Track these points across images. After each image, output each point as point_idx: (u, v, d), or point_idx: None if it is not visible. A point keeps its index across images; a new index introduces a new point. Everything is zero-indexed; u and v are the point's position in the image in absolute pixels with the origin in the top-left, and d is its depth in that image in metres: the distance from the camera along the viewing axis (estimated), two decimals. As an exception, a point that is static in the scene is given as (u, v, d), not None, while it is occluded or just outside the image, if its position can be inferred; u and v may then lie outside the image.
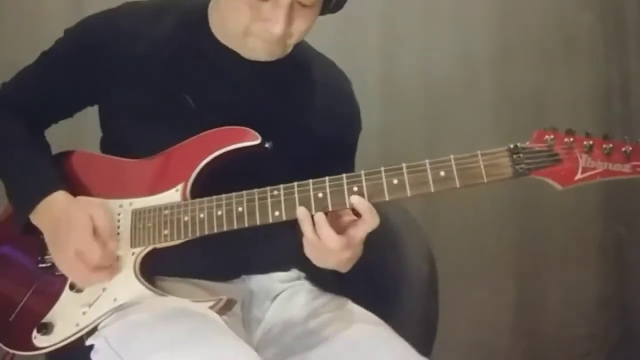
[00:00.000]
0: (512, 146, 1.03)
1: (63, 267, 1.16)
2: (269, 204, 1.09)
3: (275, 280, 1.31)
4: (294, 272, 1.33)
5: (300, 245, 1.10)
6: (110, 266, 1.15)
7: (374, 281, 1.40)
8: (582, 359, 2.35)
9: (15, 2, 1.92)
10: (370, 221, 1.05)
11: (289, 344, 1.20)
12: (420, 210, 1.88)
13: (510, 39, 2.21)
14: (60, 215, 1.15)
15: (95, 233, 1.13)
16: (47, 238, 1.18)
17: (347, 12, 2.03)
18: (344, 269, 1.16)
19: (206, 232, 1.11)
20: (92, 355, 1.12)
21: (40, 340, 1.17)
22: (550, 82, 2.24)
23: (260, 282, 1.30)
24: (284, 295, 1.30)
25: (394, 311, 1.37)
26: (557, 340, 2.32)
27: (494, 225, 2.25)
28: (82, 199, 1.18)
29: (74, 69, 1.24)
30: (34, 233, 1.19)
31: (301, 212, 1.06)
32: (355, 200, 1.05)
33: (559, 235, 2.29)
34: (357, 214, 1.07)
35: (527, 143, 1.03)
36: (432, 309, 1.42)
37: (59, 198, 1.17)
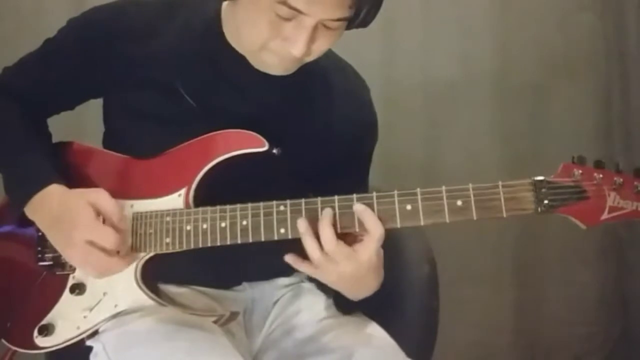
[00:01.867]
0: (536, 180, 0.99)
1: (76, 262, 1.14)
2: (275, 220, 1.06)
3: (278, 285, 1.31)
4: (296, 277, 1.33)
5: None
6: (125, 254, 1.12)
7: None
8: (582, 359, 2.35)
9: (16, 3, 1.92)
10: (374, 231, 1.02)
11: (289, 349, 1.20)
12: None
13: (510, 39, 2.21)
14: (58, 210, 1.12)
15: (101, 218, 1.10)
16: (49, 236, 1.14)
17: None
18: (351, 292, 1.13)
19: (209, 244, 1.09)
20: (91, 357, 1.13)
21: (41, 340, 1.17)
22: (550, 81, 2.24)
23: (263, 289, 1.29)
24: (285, 298, 1.30)
25: (395, 312, 1.37)
26: (557, 340, 2.32)
27: (494, 226, 2.24)
28: (77, 189, 1.14)
29: (75, 61, 1.20)
30: (33, 226, 1.17)
31: (302, 225, 1.03)
32: (360, 208, 1.02)
33: (559, 235, 2.28)
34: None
35: (552, 176, 0.99)
36: (432, 310, 1.42)
37: (54, 191, 1.13)
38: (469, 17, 2.18)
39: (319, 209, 1.04)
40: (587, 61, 2.26)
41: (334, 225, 1.03)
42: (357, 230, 1.03)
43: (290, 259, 1.06)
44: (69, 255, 1.13)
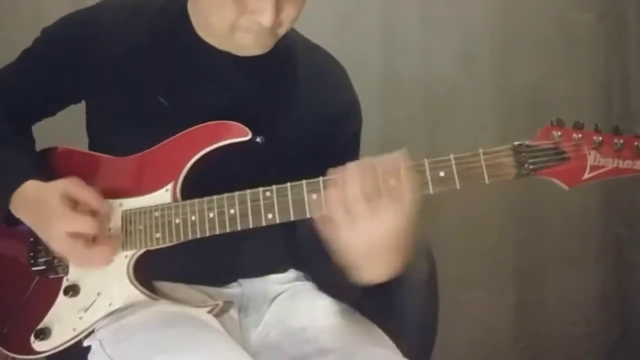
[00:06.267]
0: (516, 144, 0.99)
1: (62, 254, 1.14)
2: (262, 206, 1.06)
3: (273, 282, 1.30)
4: (292, 273, 1.32)
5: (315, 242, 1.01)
6: (107, 241, 1.12)
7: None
8: (582, 359, 2.35)
9: (15, 2, 1.92)
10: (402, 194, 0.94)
11: (287, 350, 1.18)
12: (419, 209, 1.88)
13: (511, 38, 2.21)
14: (35, 206, 1.13)
15: (78, 207, 1.11)
16: (36, 231, 1.15)
17: (347, 11, 2.04)
18: (364, 266, 1.00)
19: (198, 235, 1.10)
20: (89, 357, 1.12)
21: (38, 345, 1.17)
22: (550, 81, 2.24)
23: (257, 286, 1.28)
24: (282, 297, 1.29)
25: (394, 313, 1.37)
26: (557, 339, 2.32)
27: (494, 225, 2.25)
28: (50, 182, 1.14)
29: (51, 68, 1.21)
30: (24, 232, 1.18)
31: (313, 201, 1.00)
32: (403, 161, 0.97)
33: (559, 235, 2.28)
34: None
35: (532, 140, 0.99)
36: (431, 310, 1.41)
37: (30, 188, 1.14)
38: (469, 17, 2.18)
39: (304, 193, 1.04)
40: (587, 60, 2.25)
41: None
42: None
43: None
44: (55, 248, 1.13)
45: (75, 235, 1.09)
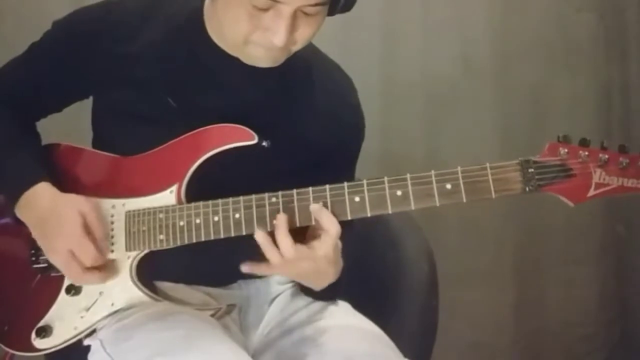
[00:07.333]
0: (523, 160, 1.00)
1: (57, 265, 1.15)
2: (267, 212, 1.06)
3: (273, 283, 1.30)
4: (289, 274, 1.32)
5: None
6: (104, 267, 1.13)
7: (374, 282, 1.40)
8: (582, 359, 2.35)
9: (16, 3, 1.92)
10: (331, 229, 1.03)
11: (286, 350, 1.19)
12: (420, 210, 1.88)
13: (510, 39, 2.21)
14: (47, 210, 1.12)
15: (87, 231, 1.11)
16: (35, 234, 1.15)
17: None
18: (311, 284, 1.15)
19: (203, 238, 1.09)
20: (89, 356, 1.13)
21: (39, 342, 1.17)
22: (550, 82, 2.24)
23: (258, 287, 1.28)
24: (282, 296, 1.29)
25: (394, 312, 1.37)
26: (557, 340, 2.32)
27: (494, 225, 2.25)
28: (70, 195, 1.14)
29: (60, 63, 1.19)
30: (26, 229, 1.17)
31: (260, 236, 1.04)
32: (315, 207, 1.04)
33: (559, 235, 2.29)
34: None
35: (539, 156, 1.00)
36: (432, 310, 1.42)
37: (43, 191, 1.14)
38: (469, 17, 2.18)
39: (311, 200, 1.05)
40: (587, 61, 2.26)
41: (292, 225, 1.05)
42: (349, 218, 1.04)
43: (247, 268, 1.08)
44: (50, 257, 1.14)
45: (74, 256, 1.11)
